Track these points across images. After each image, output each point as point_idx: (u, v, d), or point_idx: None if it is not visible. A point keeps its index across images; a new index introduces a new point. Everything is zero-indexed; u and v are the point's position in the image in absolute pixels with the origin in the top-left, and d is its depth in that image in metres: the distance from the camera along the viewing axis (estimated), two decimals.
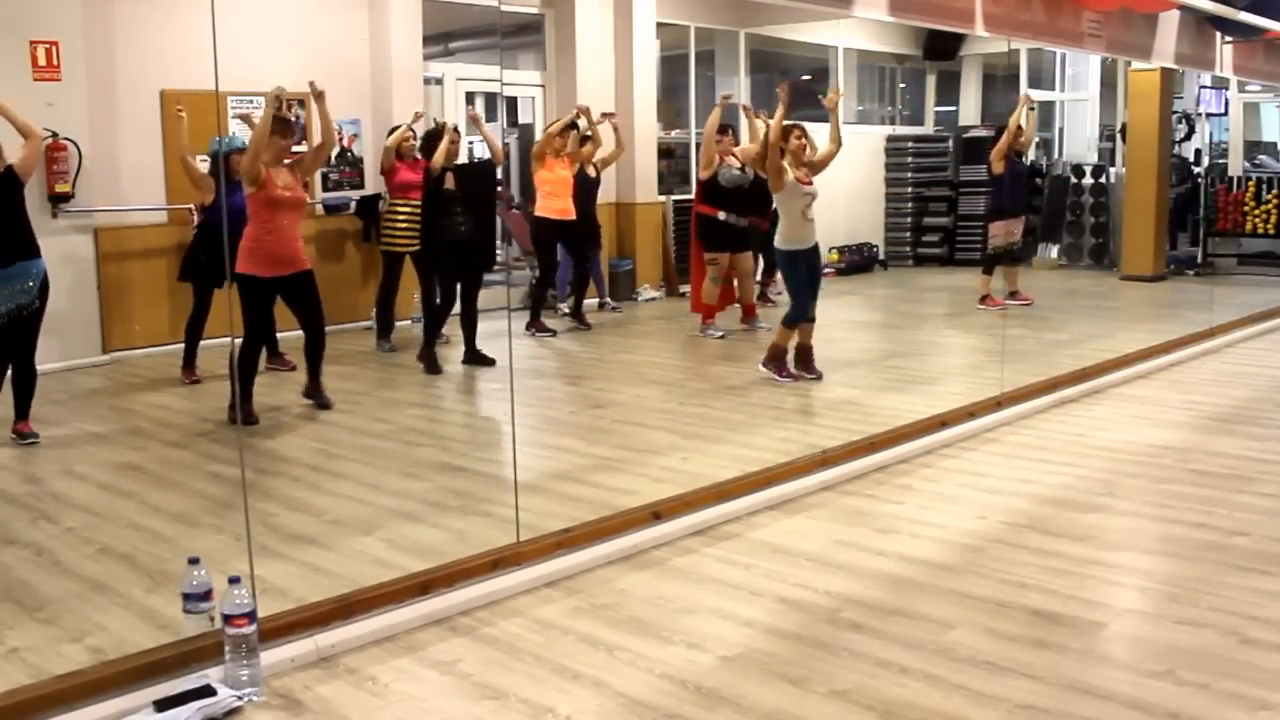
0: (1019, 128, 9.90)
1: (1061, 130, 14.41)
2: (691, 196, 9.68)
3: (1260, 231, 12.76)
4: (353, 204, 9.10)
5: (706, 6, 11.89)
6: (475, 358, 7.60)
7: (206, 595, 3.23)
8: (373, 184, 9.17)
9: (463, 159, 7.88)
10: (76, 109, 7.55)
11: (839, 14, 8.29)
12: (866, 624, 3.51)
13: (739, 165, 8.56)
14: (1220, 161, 13.88)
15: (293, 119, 6.81)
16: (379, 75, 9.28)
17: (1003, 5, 7.13)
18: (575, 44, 10.59)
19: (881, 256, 13.83)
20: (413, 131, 8.30)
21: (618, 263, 10.81)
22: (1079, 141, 14.25)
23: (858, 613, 3.59)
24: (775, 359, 7.03)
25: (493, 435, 6.25)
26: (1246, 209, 12.78)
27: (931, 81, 15.07)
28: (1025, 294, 10.24)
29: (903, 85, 15.21)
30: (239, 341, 6.00)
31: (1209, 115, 13.69)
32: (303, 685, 3.15)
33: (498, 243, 8.98)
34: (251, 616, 3.10)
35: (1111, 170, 13.46)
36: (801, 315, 6.95)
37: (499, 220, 9.07)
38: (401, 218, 8.18)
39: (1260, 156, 14.73)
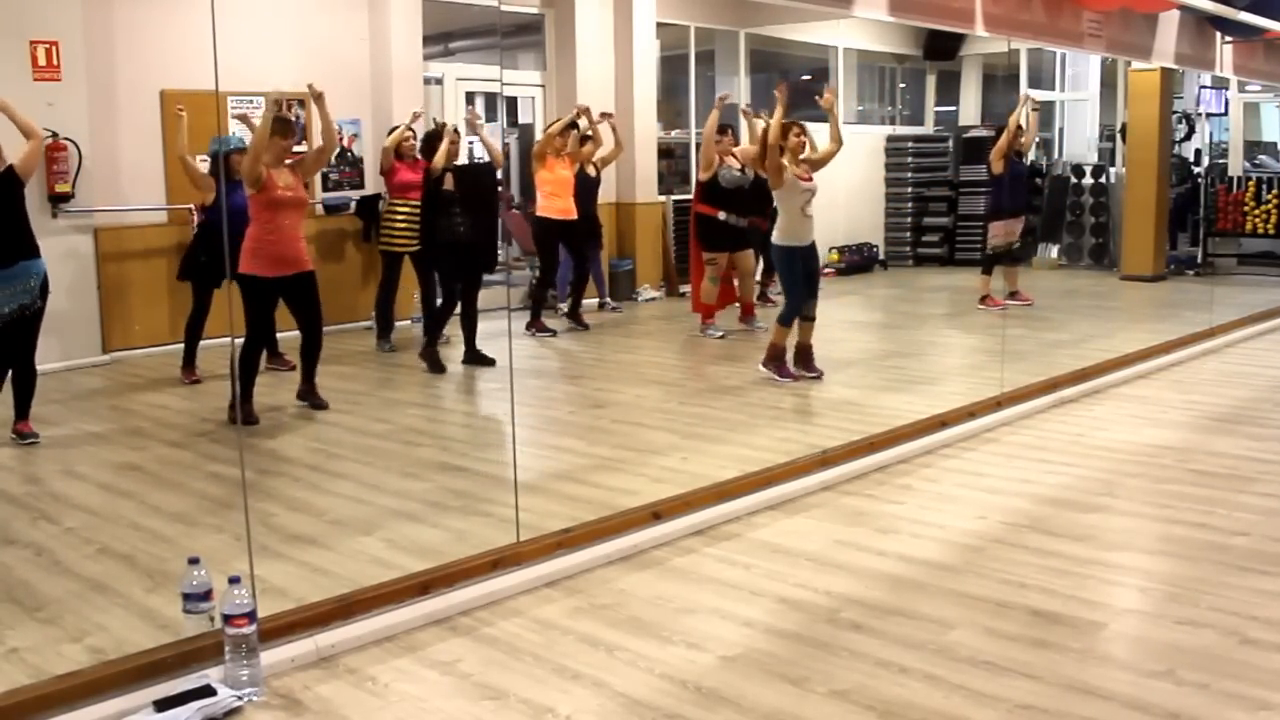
0: (1019, 127, 9.90)
1: (1061, 130, 14.41)
2: (691, 197, 9.67)
3: (1260, 231, 12.76)
4: (353, 204, 9.10)
5: (706, 6, 11.89)
6: (475, 358, 7.60)
7: (206, 595, 3.23)
8: (373, 184, 9.16)
9: (463, 159, 7.89)
10: (76, 109, 7.55)
11: (839, 14, 8.30)
12: (866, 624, 3.51)
13: (739, 166, 8.57)
14: (1220, 161, 13.88)
15: (293, 119, 6.82)
16: (379, 75, 9.29)
17: (1003, 5, 7.14)
18: (575, 44, 10.59)
19: (881, 256, 13.83)
20: (412, 131, 8.30)
21: (618, 263, 10.81)
22: (1079, 141, 14.25)
23: (858, 613, 3.59)
24: (775, 359, 7.03)
25: (493, 435, 6.25)
26: (1246, 209, 12.78)
27: (931, 81, 15.07)
28: (1025, 294, 10.24)
29: (903, 85, 15.21)
30: (239, 341, 6.00)
31: (1209, 115, 13.69)
32: (303, 685, 3.15)
33: (499, 243, 8.98)
34: (251, 616, 3.10)
35: (1111, 170, 13.46)
36: (795, 313, 6.95)
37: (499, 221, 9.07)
38: (400, 218, 8.18)
39: (1260, 156, 14.72)
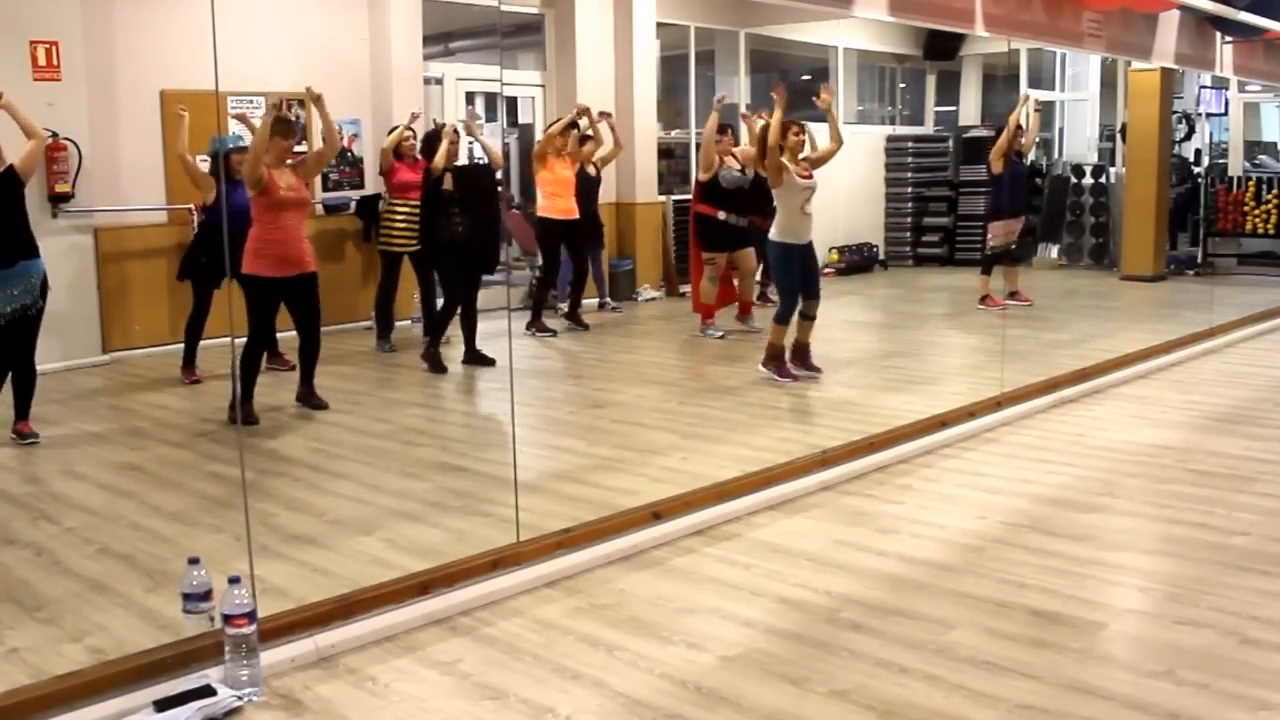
0: (1019, 127, 9.90)
1: (1061, 130, 14.41)
2: (691, 196, 9.67)
3: (1260, 231, 12.76)
4: (353, 204, 9.10)
5: (706, 6, 11.89)
6: (475, 358, 7.60)
7: (206, 595, 3.24)
8: (372, 184, 9.16)
9: (463, 159, 7.89)
10: (76, 109, 7.55)
11: (839, 14, 8.30)
12: (866, 624, 3.51)
13: (739, 166, 8.57)
14: (1220, 161, 13.88)
15: (293, 119, 6.81)
16: (379, 75, 9.28)
17: (1003, 5, 7.14)
18: (575, 44, 10.59)
19: (881, 256, 13.82)
20: (411, 131, 8.30)
21: (618, 263, 10.81)
22: (1079, 141, 14.24)
23: (858, 613, 3.59)
24: (774, 359, 7.03)
25: (493, 435, 6.25)
26: (1246, 209, 12.77)
27: (931, 81, 15.07)
28: (1025, 294, 10.24)
29: (903, 85, 15.20)
30: (240, 341, 6.00)
31: (1209, 115, 13.68)
32: (303, 685, 3.15)
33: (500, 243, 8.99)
34: (251, 616, 3.10)
35: (1111, 170, 13.46)
36: (791, 311, 6.94)
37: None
38: (400, 218, 8.17)
39: (1260, 156, 14.72)
